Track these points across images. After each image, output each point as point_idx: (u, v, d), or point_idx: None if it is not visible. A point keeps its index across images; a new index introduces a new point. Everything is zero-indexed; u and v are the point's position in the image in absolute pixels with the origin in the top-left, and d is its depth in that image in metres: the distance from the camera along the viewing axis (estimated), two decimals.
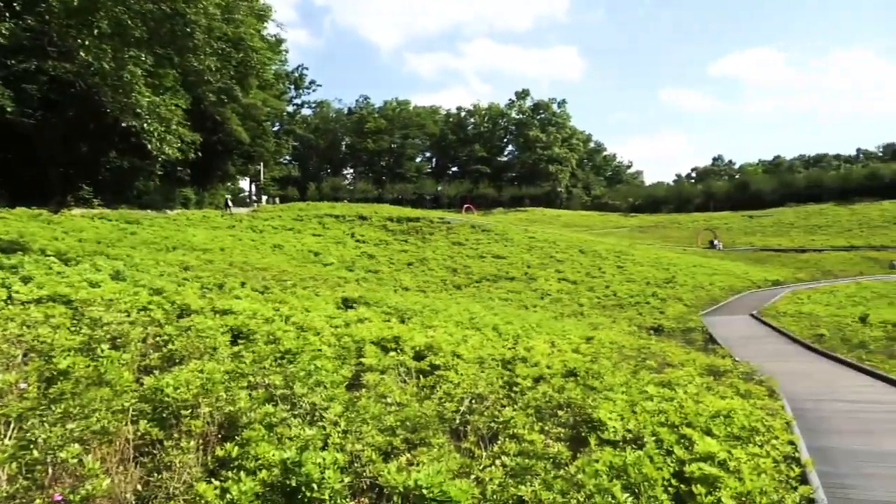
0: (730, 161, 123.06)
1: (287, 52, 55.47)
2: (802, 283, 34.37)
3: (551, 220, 79.13)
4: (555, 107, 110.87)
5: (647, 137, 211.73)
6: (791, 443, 5.96)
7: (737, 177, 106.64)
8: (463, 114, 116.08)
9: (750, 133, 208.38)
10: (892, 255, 45.08)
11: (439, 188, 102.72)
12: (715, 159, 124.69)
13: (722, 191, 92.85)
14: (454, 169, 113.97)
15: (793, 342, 16.23)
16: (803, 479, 5.05)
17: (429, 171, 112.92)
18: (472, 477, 4.05)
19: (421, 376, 6.28)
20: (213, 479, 3.48)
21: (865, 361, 13.07)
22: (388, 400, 5.10)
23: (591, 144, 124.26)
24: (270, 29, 44.04)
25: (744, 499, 4.20)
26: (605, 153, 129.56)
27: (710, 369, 9.28)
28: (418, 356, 6.91)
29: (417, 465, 3.96)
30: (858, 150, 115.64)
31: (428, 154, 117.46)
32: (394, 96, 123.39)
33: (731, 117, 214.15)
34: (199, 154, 34.92)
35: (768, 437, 5.76)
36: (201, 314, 6.88)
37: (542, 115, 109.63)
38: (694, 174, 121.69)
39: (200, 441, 3.93)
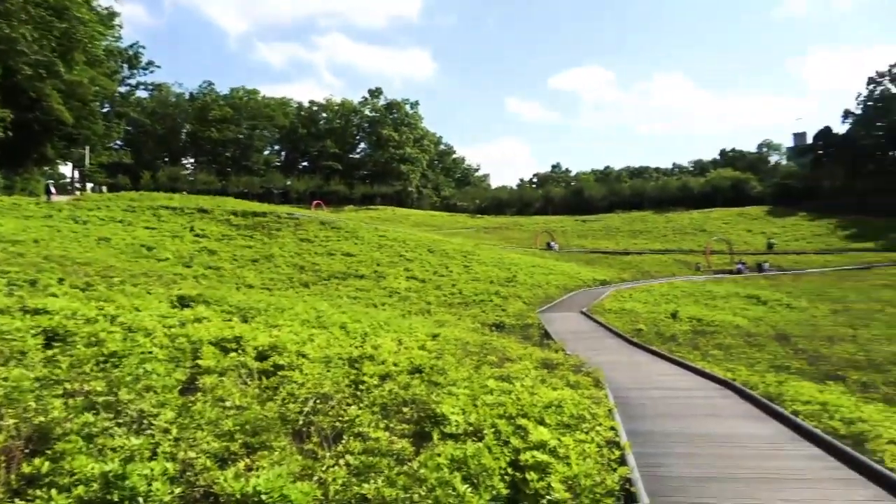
0: (567, 169, 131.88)
1: (121, 27, 50.86)
2: (625, 282, 37.80)
3: (402, 219, 79.90)
4: (408, 107, 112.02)
5: (494, 143, 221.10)
6: (612, 428, 6.52)
7: (572, 184, 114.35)
8: (315, 108, 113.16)
9: (585, 144, 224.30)
10: (697, 258, 51.23)
11: (289, 183, 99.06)
12: (554, 167, 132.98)
13: (559, 196, 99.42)
14: (305, 164, 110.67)
15: (616, 336, 17.81)
16: (622, 461, 5.54)
17: (278, 164, 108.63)
18: (315, 478, 3.98)
19: (263, 377, 6.04)
20: (17, 500, 3.10)
21: (675, 353, 14.75)
22: (227, 403, 4.85)
23: (442, 146, 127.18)
24: (102, 0, 40.15)
25: (571, 482, 4.53)
26: (454, 156, 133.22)
27: (544, 363, 9.93)
28: (261, 356, 6.64)
29: (257, 469, 3.82)
30: (674, 164, 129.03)
31: (277, 147, 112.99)
32: (241, 84, 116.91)
33: (568, 128, 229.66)
34: (10, 133, 31.01)
35: (593, 424, 6.26)
36: (8, 314, 6.10)
37: (395, 115, 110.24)
38: (535, 180, 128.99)
39: (3, 457, 3.48)
